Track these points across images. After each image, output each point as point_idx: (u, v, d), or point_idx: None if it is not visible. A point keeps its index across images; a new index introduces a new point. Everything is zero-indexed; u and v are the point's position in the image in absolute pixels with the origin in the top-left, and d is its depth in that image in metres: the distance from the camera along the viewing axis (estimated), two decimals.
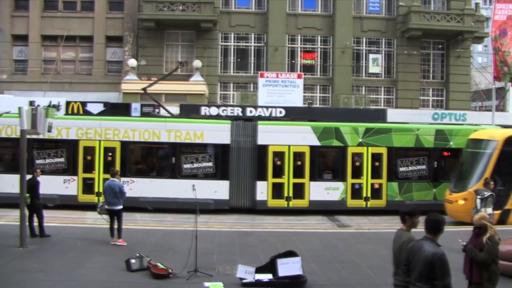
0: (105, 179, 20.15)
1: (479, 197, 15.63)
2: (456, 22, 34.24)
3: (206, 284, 10.42)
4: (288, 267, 10.76)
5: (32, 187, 14.51)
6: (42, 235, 14.70)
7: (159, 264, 11.39)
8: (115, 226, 14.43)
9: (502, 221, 18.14)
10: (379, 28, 35.73)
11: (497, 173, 18.73)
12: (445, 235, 6.50)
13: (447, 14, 34.61)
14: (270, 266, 10.97)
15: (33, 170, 15.29)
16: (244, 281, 10.67)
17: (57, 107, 24.24)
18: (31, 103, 22.63)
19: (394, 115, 28.21)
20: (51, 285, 10.51)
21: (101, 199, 20.19)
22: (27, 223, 14.15)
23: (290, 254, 11.19)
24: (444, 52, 36.16)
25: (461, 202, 18.69)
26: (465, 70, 36.01)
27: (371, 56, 35.92)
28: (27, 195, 14.09)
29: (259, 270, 10.86)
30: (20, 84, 33.17)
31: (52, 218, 16.72)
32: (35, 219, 14.83)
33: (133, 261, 11.61)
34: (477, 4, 36.63)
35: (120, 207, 14.50)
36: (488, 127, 22.71)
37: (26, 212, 14.06)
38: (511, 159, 18.87)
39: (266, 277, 10.80)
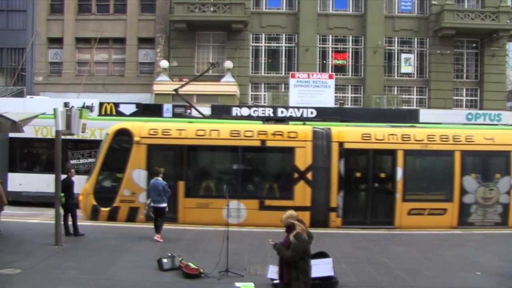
0: None
1: None
2: (491, 20, 33.61)
3: (237, 284, 10.48)
4: (319, 268, 10.70)
5: (66, 186, 14.75)
6: (76, 234, 14.94)
7: (190, 264, 11.46)
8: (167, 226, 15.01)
9: (111, 218, 17.13)
10: (411, 27, 35.34)
11: (106, 168, 17.75)
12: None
13: (481, 12, 34.00)
14: None
15: (68, 170, 15.56)
16: (275, 281, 10.60)
17: (90, 108, 24.58)
18: (66, 104, 22.95)
19: (426, 115, 27.81)
20: (85, 283, 10.69)
21: None
22: (62, 222, 14.44)
23: (321, 255, 11.13)
24: (478, 51, 35.51)
25: (80, 198, 17.45)
26: (500, 69, 35.30)
27: (403, 55, 35.52)
28: (62, 194, 14.37)
29: None
30: (55, 85, 33.88)
31: None
32: (70, 218, 15.11)
33: (165, 260, 11.72)
34: None
35: (164, 205, 14.85)
36: None
37: (61, 211, 14.36)
38: (119, 154, 17.75)
39: None
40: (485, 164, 18.34)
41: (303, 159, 17.39)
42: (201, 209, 16.90)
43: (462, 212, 17.71)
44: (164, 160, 18.07)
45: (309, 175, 17.35)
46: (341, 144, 17.53)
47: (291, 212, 8.40)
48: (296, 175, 17.43)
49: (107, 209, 17.22)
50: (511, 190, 17.89)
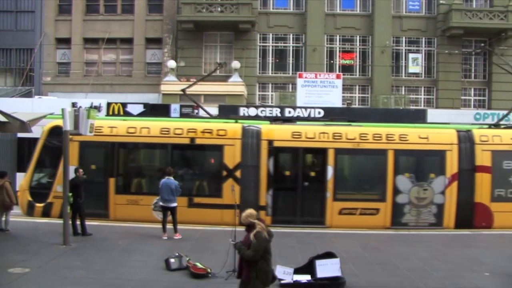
0: None
1: None
2: (499, 19, 33.42)
3: None
4: (326, 268, 10.71)
5: (74, 186, 14.82)
6: (84, 234, 15.01)
7: (198, 264, 11.49)
8: (168, 225, 15.01)
9: (46, 214, 17.37)
10: (419, 27, 35.19)
11: (41, 165, 17.97)
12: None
13: (489, 11, 33.81)
14: (308, 267, 10.95)
15: (76, 170, 15.61)
16: (282, 281, 10.64)
17: (98, 108, 24.66)
18: (74, 105, 23.03)
19: (434, 115, 27.68)
20: (93, 282, 10.73)
21: None
22: (70, 222, 14.49)
23: (328, 255, 11.14)
24: (486, 51, 35.33)
25: (18, 194, 17.63)
26: (509, 68, 35.04)
27: (411, 55, 35.40)
28: (70, 194, 14.42)
29: (297, 271, 10.85)
30: (63, 86, 34.00)
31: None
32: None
33: (172, 260, 11.75)
34: None
35: (175, 204, 15.05)
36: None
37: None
38: (53, 151, 17.50)
39: (305, 278, 10.78)
40: (419, 163, 18.11)
41: (232, 157, 17.41)
42: (132, 205, 16.87)
43: (395, 212, 17.49)
44: (96, 157, 18.20)
45: (238, 173, 17.35)
46: (270, 142, 17.52)
47: (250, 211, 8.31)
48: (225, 173, 17.43)
49: (42, 204, 17.38)
50: (445, 190, 17.59)
